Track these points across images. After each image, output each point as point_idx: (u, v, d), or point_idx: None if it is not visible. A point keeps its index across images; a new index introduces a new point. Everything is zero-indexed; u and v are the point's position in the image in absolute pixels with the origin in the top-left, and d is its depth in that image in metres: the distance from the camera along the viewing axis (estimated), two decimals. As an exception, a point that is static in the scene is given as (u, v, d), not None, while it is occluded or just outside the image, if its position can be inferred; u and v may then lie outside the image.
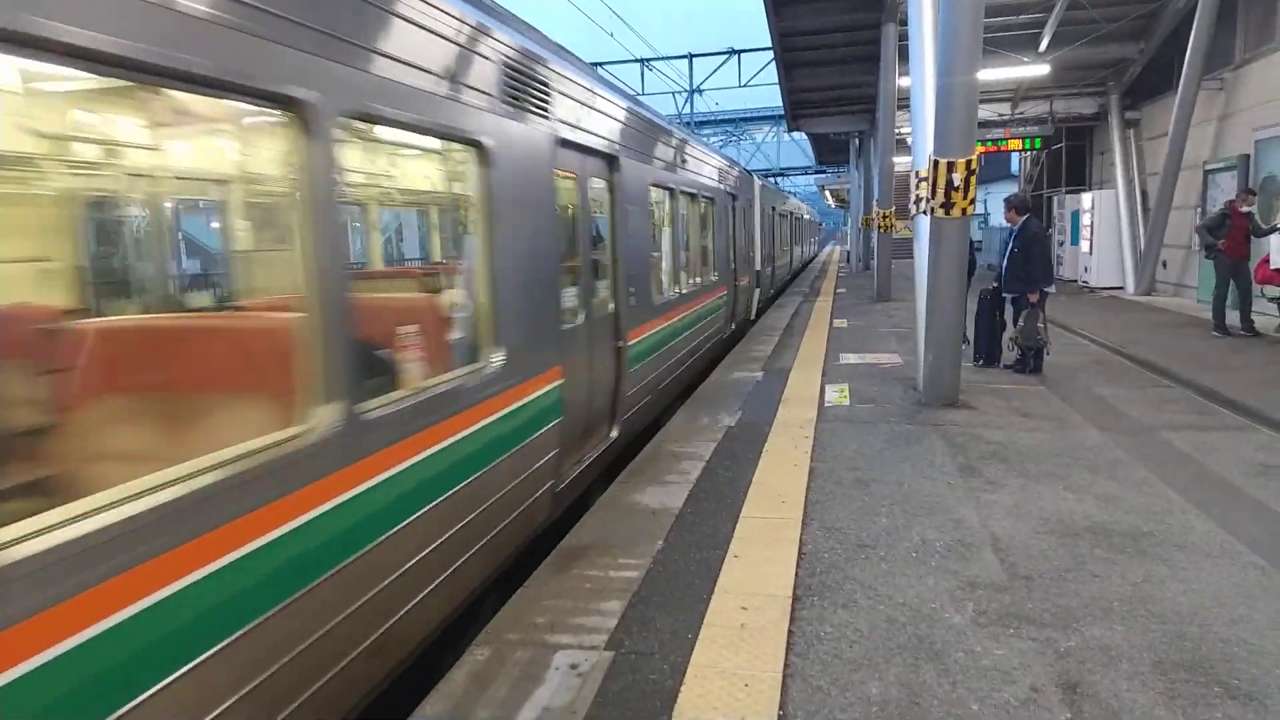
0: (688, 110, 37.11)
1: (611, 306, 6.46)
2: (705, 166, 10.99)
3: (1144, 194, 19.08)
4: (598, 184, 6.35)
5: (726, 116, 46.53)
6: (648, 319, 7.30)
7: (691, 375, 9.99)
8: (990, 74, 17.14)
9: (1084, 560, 4.39)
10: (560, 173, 5.20)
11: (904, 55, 12.24)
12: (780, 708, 3.10)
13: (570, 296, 5.50)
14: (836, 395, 8.60)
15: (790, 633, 3.67)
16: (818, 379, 9.51)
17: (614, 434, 6.53)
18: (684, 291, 9.24)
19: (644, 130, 7.60)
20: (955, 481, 5.73)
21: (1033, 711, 3.05)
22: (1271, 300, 11.98)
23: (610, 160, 6.45)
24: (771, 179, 41.01)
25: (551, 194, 4.99)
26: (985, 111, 22.03)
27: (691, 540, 4.77)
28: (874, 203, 20.46)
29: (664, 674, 3.36)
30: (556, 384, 4.96)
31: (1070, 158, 24.55)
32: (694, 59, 36.38)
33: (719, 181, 11.94)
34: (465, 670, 3.44)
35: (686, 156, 9.66)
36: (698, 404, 8.49)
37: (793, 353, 11.53)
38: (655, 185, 7.95)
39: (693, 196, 10.01)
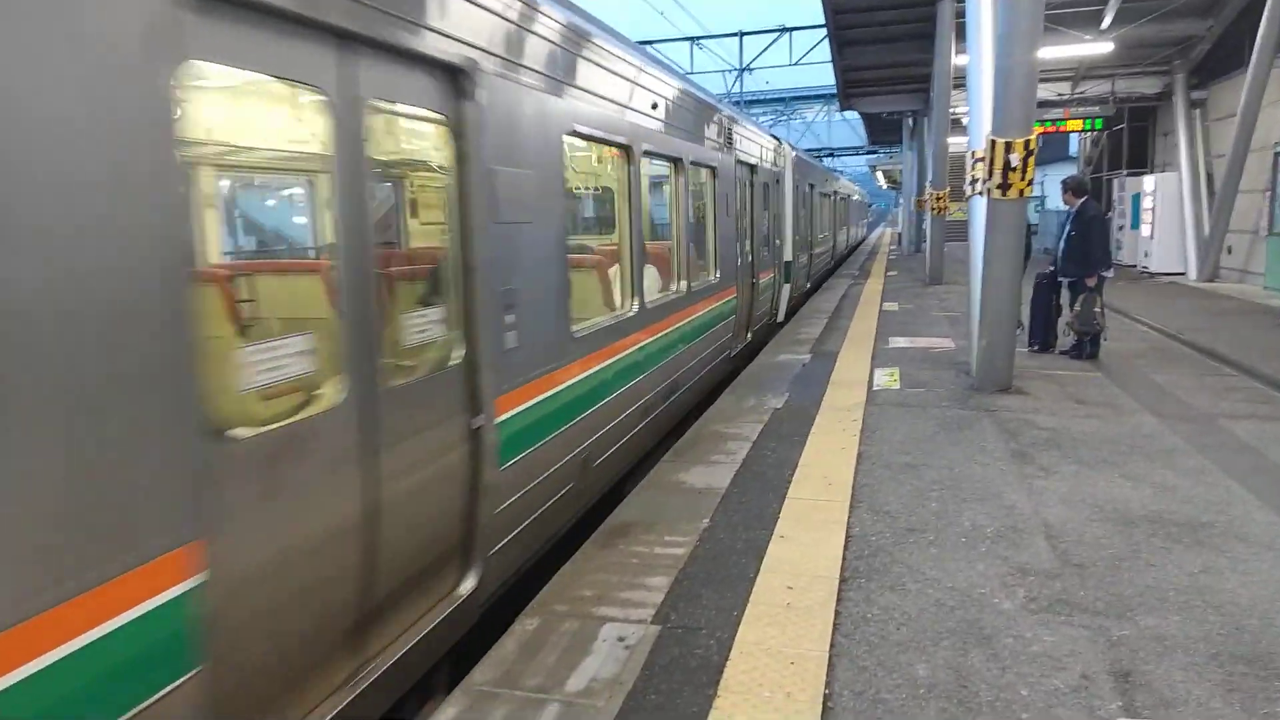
0: (737, 89, 36.74)
1: (460, 355, 3.60)
2: (699, 121, 7.92)
3: (1209, 177, 18.47)
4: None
5: (777, 95, 45.97)
6: (536, 371, 4.25)
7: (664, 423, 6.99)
8: (1050, 52, 16.67)
9: (1139, 549, 4.31)
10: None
11: (960, 33, 11.97)
12: (826, 686, 3.11)
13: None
14: (886, 379, 8.52)
15: (837, 613, 3.67)
16: (867, 362, 9.42)
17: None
18: (648, 308, 6.14)
19: (544, 31, 4.44)
20: (1007, 467, 5.65)
21: (1083, 699, 3.02)
22: None
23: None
24: (820, 158, 39.56)
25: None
26: (1044, 91, 21.44)
27: (738, 519, 4.79)
28: (927, 184, 20.11)
29: (710, 649, 3.39)
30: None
31: (1132, 139, 23.84)
32: (744, 37, 35.96)
33: (725, 147, 8.96)
34: (515, 639, 3.50)
35: (664, 99, 6.68)
36: (744, 386, 8.48)
37: (841, 335, 11.43)
38: (581, 134, 4.99)
39: (676, 162, 7.20)
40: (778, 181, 13.01)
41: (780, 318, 13.61)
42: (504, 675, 3.22)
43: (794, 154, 15.06)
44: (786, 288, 13.95)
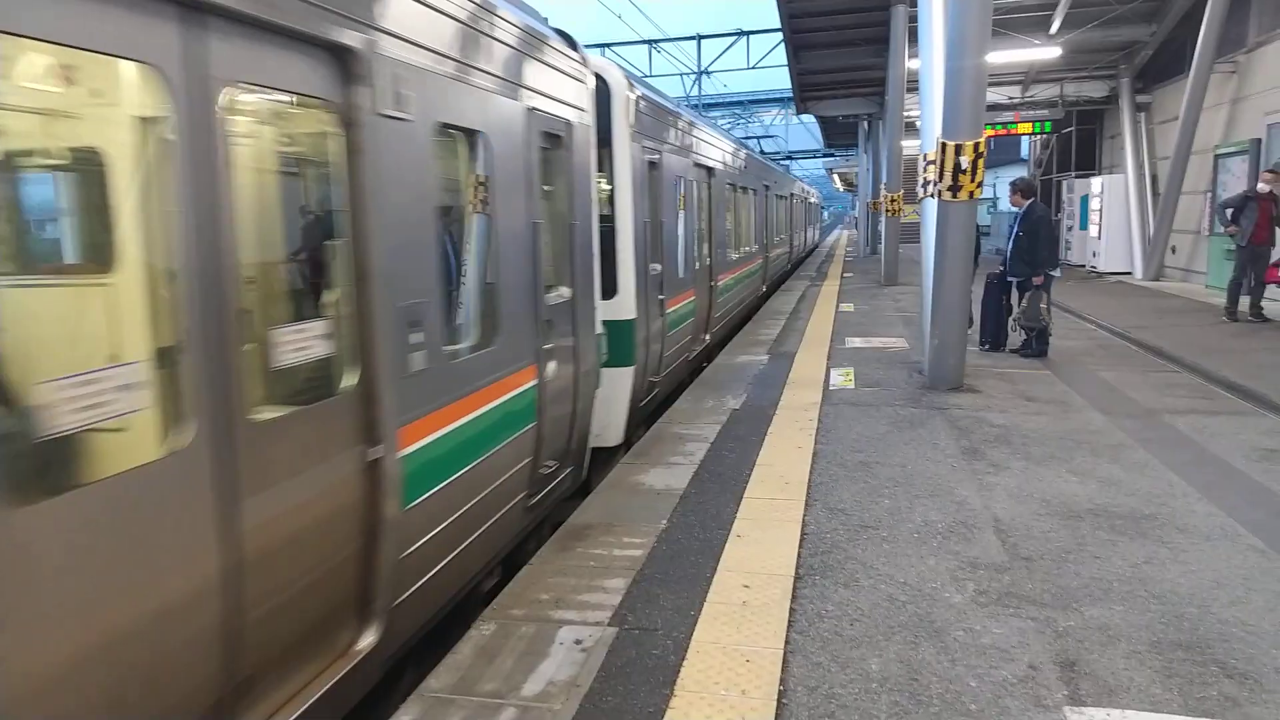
0: (695, 92, 36.91)
1: None
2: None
3: (1154, 179, 18.97)
4: None
5: (735, 99, 46.27)
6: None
7: None
8: (1000, 56, 17.02)
9: (1085, 542, 4.42)
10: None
11: (914, 37, 12.18)
12: (781, 683, 3.15)
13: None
14: (841, 378, 8.62)
15: (792, 611, 3.72)
16: (823, 362, 9.53)
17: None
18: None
19: None
20: (958, 464, 5.75)
21: (1030, 689, 3.09)
22: None
23: None
24: (781, 163, 38.99)
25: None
26: (995, 94, 21.91)
27: (695, 520, 4.82)
28: (882, 186, 20.39)
29: (667, 649, 3.41)
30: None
31: (1080, 142, 24.40)
32: (702, 40, 36.16)
33: (512, 82, 4.37)
34: (471, 644, 3.49)
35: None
36: (703, 387, 8.52)
37: (798, 336, 11.54)
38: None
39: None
40: (637, 160, 6.91)
41: (582, 475, 6.13)
42: (459, 681, 3.21)
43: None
44: (626, 381, 6.62)
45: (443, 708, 3.05)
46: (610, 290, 6.38)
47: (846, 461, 5.85)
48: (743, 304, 13.87)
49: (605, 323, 6.06)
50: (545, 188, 4.89)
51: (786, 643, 3.44)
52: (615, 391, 6.40)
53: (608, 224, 6.37)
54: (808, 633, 3.53)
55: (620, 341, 6.43)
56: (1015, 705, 2.99)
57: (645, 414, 7.37)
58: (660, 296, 7.51)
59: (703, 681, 3.16)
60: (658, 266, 7.35)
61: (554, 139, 5.00)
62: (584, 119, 5.50)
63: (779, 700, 3.04)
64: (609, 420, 6.37)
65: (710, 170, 10.56)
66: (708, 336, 10.42)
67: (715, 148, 11.23)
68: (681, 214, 8.81)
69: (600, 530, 4.71)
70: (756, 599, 3.82)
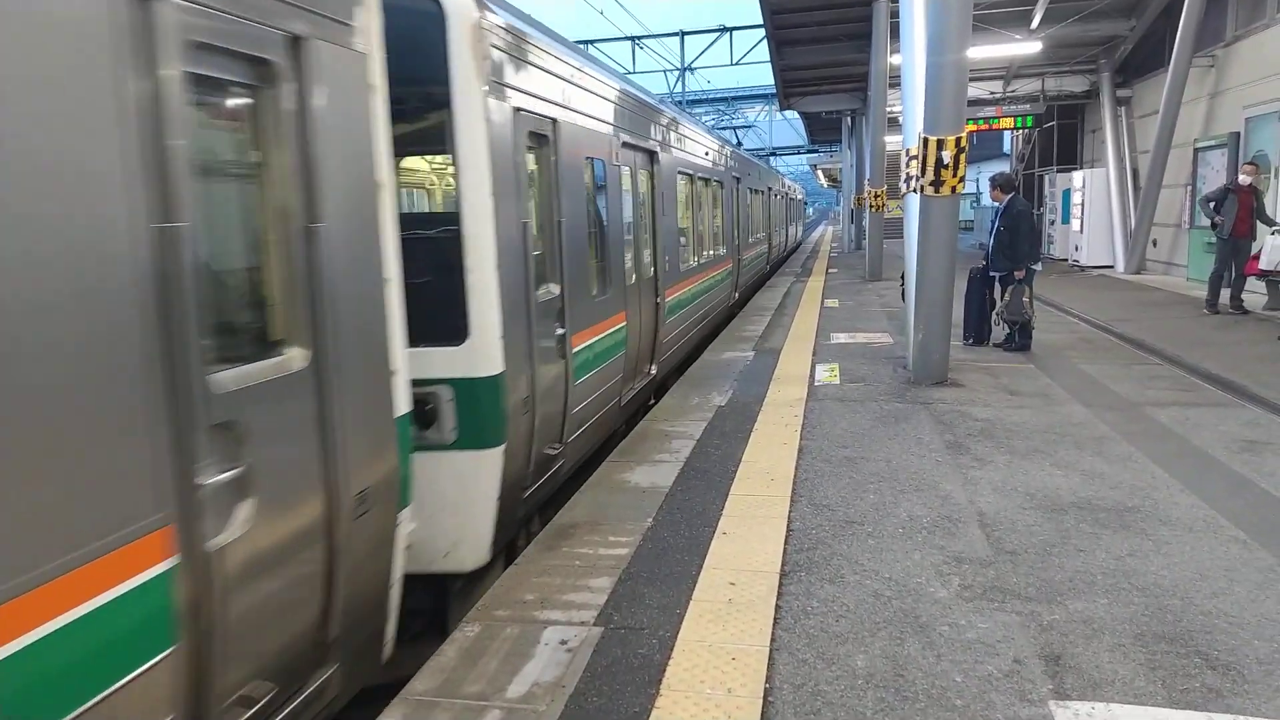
0: (679, 89, 36.89)
1: None
2: None
3: (1135, 172, 19.09)
4: None
5: (718, 95, 46.28)
6: None
7: None
8: (981, 51, 17.07)
9: (1069, 535, 4.43)
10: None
11: (895, 32, 12.19)
12: (766, 680, 3.14)
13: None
14: (826, 374, 8.63)
15: (777, 608, 3.71)
16: (808, 358, 9.54)
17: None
18: None
19: None
20: (943, 458, 5.77)
21: (1015, 683, 3.09)
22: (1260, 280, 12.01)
23: None
24: (764, 159, 38.74)
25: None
26: (977, 89, 22.00)
27: (681, 518, 4.81)
28: (866, 182, 20.44)
29: (652, 648, 3.39)
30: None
31: (1062, 136, 24.53)
32: (685, 36, 36.14)
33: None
34: (456, 646, 3.47)
35: None
36: (689, 383, 8.51)
37: (784, 332, 11.55)
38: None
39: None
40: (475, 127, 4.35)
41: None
42: (444, 683, 3.19)
43: (486, 18, 4.40)
44: (489, 470, 4.47)
45: (427, 710, 3.03)
46: (456, 331, 4.21)
47: (832, 457, 5.85)
48: (708, 317, 11.72)
49: (452, 383, 4.20)
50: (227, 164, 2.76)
51: (772, 640, 3.43)
52: (468, 489, 4.29)
53: (448, 230, 4.21)
54: (793, 629, 3.52)
55: (476, 411, 4.24)
56: (1000, 700, 2.99)
57: (549, 494, 5.27)
58: (560, 330, 5.21)
59: (688, 680, 3.15)
60: (553, 289, 5.13)
61: (253, 66, 2.65)
62: (340, 38, 3.02)
63: (765, 698, 3.03)
64: (461, 533, 4.28)
65: (651, 155, 8.21)
66: (654, 368, 8.04)
67: (657, 125, 8.61)
68: (604, 211, 6.54)
69: (586, 529, 4.69)
70: (742, 596, 3.81)
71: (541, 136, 5.09)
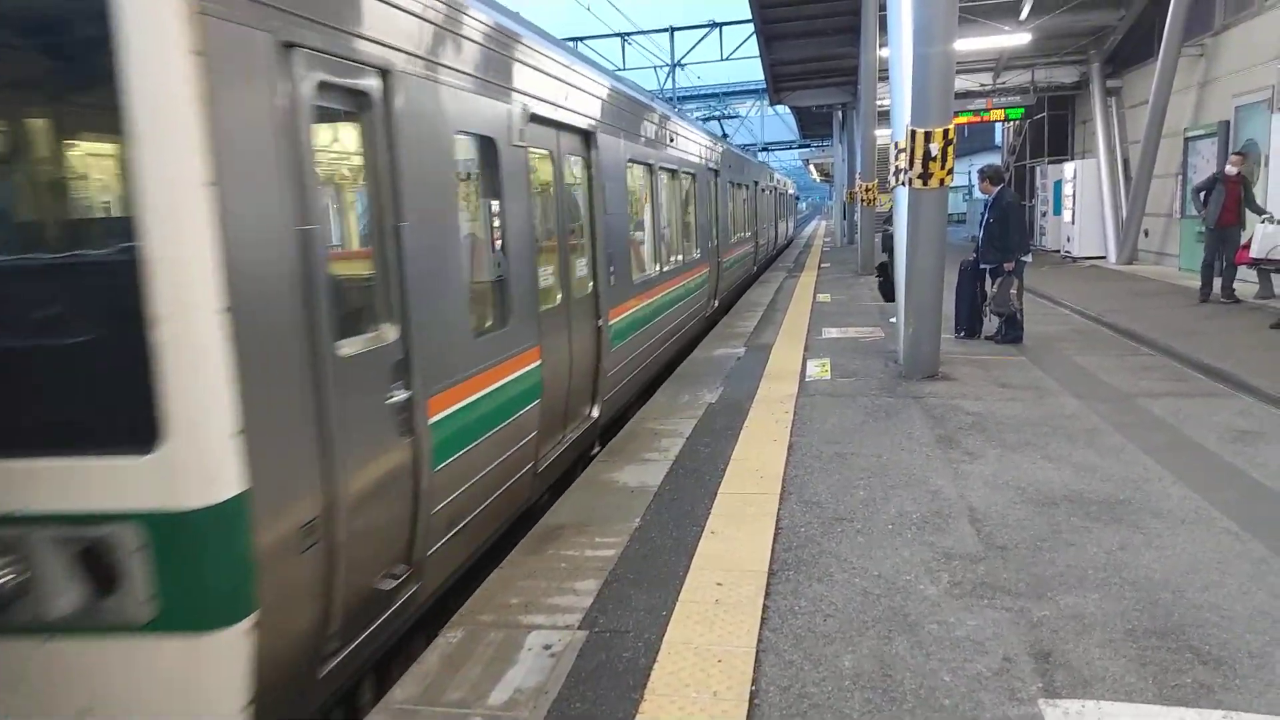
0: (669, 85, 36.77)
1: None
2: None
3: (1125, 163, 19.06)
4: None
5: (710, 91, 46.17)
6: None
7: None
8: (970, 43, 17.04)
9: (1060, 529, 4.39)
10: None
11: (884, 26, 12.13)
12: (753, 683, 3.09)
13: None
14: (817, 370, 8.58)
15: (765, 608, 3.66)
16: (799, 354, 9.49)
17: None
18: None
19: None
20: (933, 453, 5.72)
21: (1005, 681, 3.05)
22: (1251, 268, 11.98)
23: None
24: (756, 154, 38.37)
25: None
26: (967, 82, 21.96)
27: (669, 518, 4.75)
28: (857, 176, 20.39)
29: (637, 652, 3.34)
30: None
31: (1052, 127, 24.49)
32: (675, 32, 36.00)
33: None
34: (438, 653, 3.41)
35: None
36: (680, 381, 8.46)
37: (775, 328, 11.50)
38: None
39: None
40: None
41: None
42: (425, 691, 3.13)
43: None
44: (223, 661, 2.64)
45: (407, 719, 2.97)
46: (141, 428, 2.46)
47: (822, 453, 5.80)
48: (679, 332, 9.97)
49: (141, 519, 2.48)
50: None
51: (759, 641, 3.38)
52: (185, 698, 2.61)
53: (121, 250, 2.45)
54: (781, 630, 3.47)
55: (189, 565, 2.54)
56: (990, 699, 2.95)
57: (393, 639, 3.67)
58: (400, 395, 3.48)
59: (673, 684, 3.09)
60: (387, 332, 3.46)
61: None
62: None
63: (751, 701, 2.98)
64: None
65: (587, 136, 6.40)
66: (595, 410, 6.46)
67: (594, 97, 6.58)
68: (497, 208, 4.78)
69: (573, 531, 4.64)
70: (729, 597, 3.76)
71: (359, 95, 3.32)
